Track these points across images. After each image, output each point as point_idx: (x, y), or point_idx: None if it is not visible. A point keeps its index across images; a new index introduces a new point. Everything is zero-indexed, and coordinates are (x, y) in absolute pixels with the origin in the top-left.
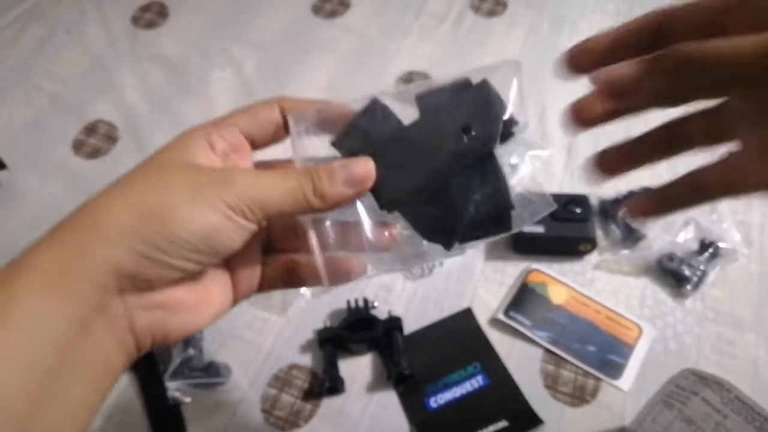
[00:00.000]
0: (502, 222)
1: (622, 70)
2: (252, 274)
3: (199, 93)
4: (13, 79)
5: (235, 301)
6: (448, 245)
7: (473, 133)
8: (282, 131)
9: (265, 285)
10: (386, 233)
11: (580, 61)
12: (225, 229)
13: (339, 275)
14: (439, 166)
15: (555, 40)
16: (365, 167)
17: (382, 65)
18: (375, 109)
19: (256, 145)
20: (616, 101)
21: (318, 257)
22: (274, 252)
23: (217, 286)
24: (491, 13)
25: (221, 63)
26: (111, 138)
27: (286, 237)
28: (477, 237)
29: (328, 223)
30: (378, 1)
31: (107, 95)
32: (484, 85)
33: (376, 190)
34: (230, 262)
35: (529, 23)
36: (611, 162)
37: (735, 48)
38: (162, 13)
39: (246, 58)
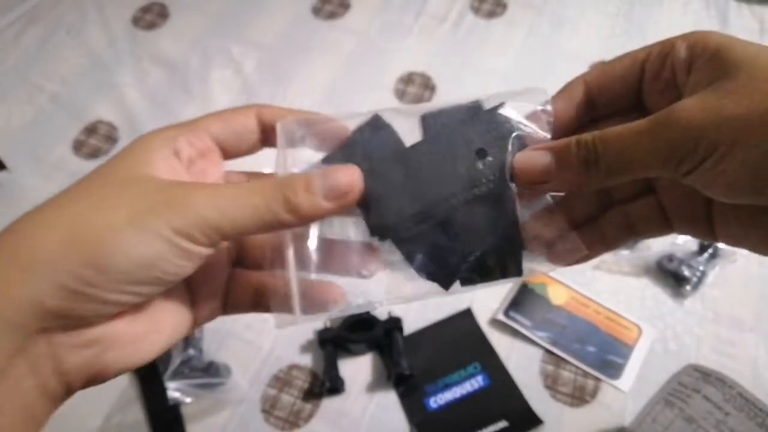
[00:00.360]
0: (511, 267)
1: (537, 160)
2: (215, 296)
3: (199, 93)
4: (13, 79)
5: (196, 324)
6: (446, 286)
7: (489, 158)
8: (258, 143)
9: (230, 308)
10: (375, 258)
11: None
12: (171, 257)
13: (313, 304)
14: (444, 193)
15: (555, 41)
16: (349, 176)
17: (381, 66)
18: (376, 125)
19: (227, 154)
20: (538, 187)
21: (293, 279)
22: (248, 266)
23: (167, 313)
24: (491, 14)
25: (221, 63)
26: (111, 138)
27: (262, 249)
28: (481, 281)
29: (312, 239)
30: (378, 2)
31: (107, 95)
32: (500, 109)
33: (368, 213)
34: (191, 281)
35: (528, 24)
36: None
37: (622, 138)
38: (162, 13)
39: (246, 59)
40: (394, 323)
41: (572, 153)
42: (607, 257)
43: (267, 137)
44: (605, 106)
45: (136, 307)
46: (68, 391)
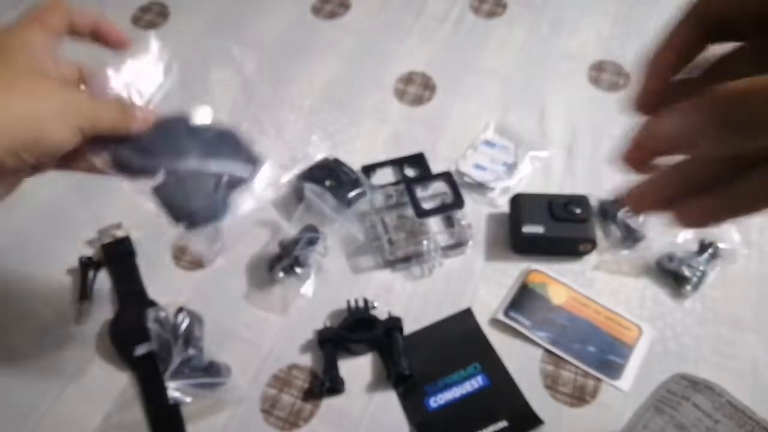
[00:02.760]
0: None
1: (664, 129)
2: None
3: (199, 93)
4: None
5: None
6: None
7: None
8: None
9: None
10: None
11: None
12: None
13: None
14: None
15: (554, 41)
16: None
17: (381, 66)
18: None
19: None
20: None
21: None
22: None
23: None
24: (491, 14)
25: (221, 63)
26: None
27: None
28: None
29: None
30: (378, 2)
31: None
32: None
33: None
34: None
35: (528, 24)
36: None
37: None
38: (162, 13)
39: (246, 58)
40: (394, 323)
41: (707, 103)
42: (607, 257)
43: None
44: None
45: None
46: None
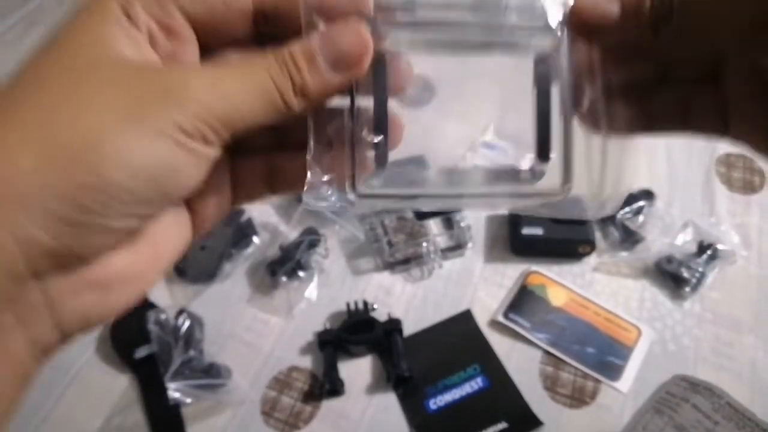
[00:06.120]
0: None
1: (604, 5)
2: (221, 194)
3: None
4: None
5: (196, 234)
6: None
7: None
8: (250, 29)
9: (240, 199)
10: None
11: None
12: (181, 164)
13: (324, 170)
14: None
15: None
16: (355, 35)
17: None
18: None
19: (203, 40)
20: (596, 36)
21: (312, 150)
22: (245, 151)
23: (167, 230)
24: None
25: None
26: None
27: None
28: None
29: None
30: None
31: None
32: None
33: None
34: None
35: None
36: None
37: None
38: None
39: None
40: (394, 325)
41: (645, 4)
42: (607, 258)
43: (266, 21)
44: None
45: (135, 233)
46: (64, 340)
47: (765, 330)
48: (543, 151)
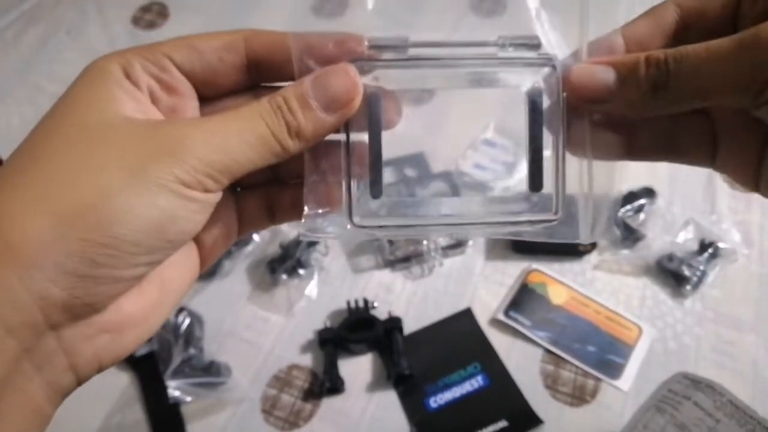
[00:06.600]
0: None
1: (598, 75)
2: (227, 227)
3: None
4: (13, 79)
5: (203, 268)
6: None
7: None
8: (242, 79)
9: (245, 230)
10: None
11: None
12: (184, 213)
13: (320, 202)
14: None
15: None
16: (346, 77)
17: None
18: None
19: (200, 92)
20: (593, 106)
21: (308, 183)
22: (245, 187)
23: (175, 270)
24: (490, 13)
25: None
26: None
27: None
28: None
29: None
30: (377, 1)
31: None
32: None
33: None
34: None
35: (527, 24)
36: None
37: (699, 57)
38: (162, 13)
39: None
40: (394, 323)
41: (640, 71)
42: (607, 257)
43: (259, 71)
44: (698, 33)
45: (144, 277)
46: (79, 382)
47: (766, 328)
48: (536, 182)
